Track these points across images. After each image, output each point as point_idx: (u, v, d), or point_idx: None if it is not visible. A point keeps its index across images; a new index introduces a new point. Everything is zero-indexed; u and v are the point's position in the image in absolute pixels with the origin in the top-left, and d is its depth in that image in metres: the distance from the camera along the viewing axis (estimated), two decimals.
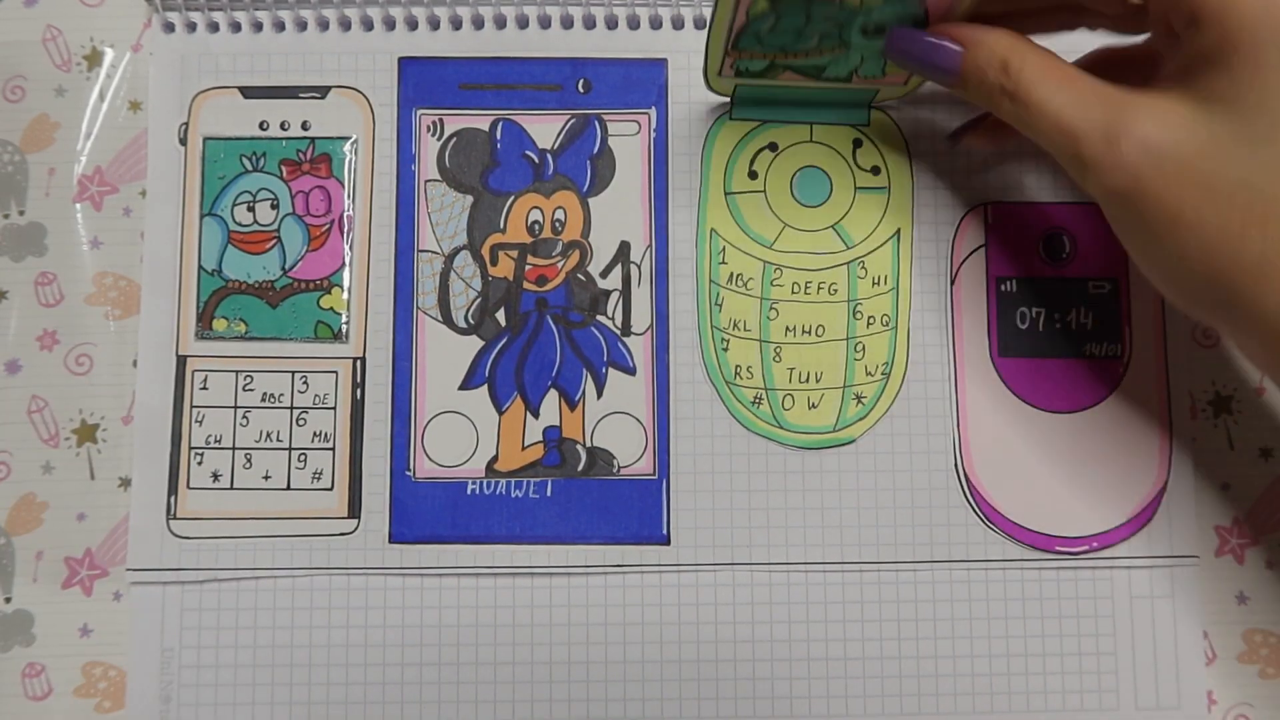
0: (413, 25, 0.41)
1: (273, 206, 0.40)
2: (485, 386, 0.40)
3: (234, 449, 0.39)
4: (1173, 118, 0.30)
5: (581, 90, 0.41)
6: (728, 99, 0.40)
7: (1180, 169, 0.30)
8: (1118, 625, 0.39)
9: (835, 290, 0.40)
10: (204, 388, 0.39)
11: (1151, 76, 0.33)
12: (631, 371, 0.40)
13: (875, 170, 0.40)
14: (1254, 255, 0.29)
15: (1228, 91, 0.30)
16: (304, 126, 0.40)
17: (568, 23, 0.41)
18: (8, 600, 0.39)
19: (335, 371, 0.39)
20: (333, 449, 0.39)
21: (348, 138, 0.40)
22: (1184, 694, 0.39)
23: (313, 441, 0.39)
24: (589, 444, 0.39)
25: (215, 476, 0.39)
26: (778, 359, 0.40)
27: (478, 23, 0.41)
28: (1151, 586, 0.39)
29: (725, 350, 0.40)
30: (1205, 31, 0.30)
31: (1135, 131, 0.30)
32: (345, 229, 0.40)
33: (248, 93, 0.41)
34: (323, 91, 0.41)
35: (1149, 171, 0.30)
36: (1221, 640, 0.39)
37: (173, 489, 0.39)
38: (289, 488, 0.39)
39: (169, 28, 0.41)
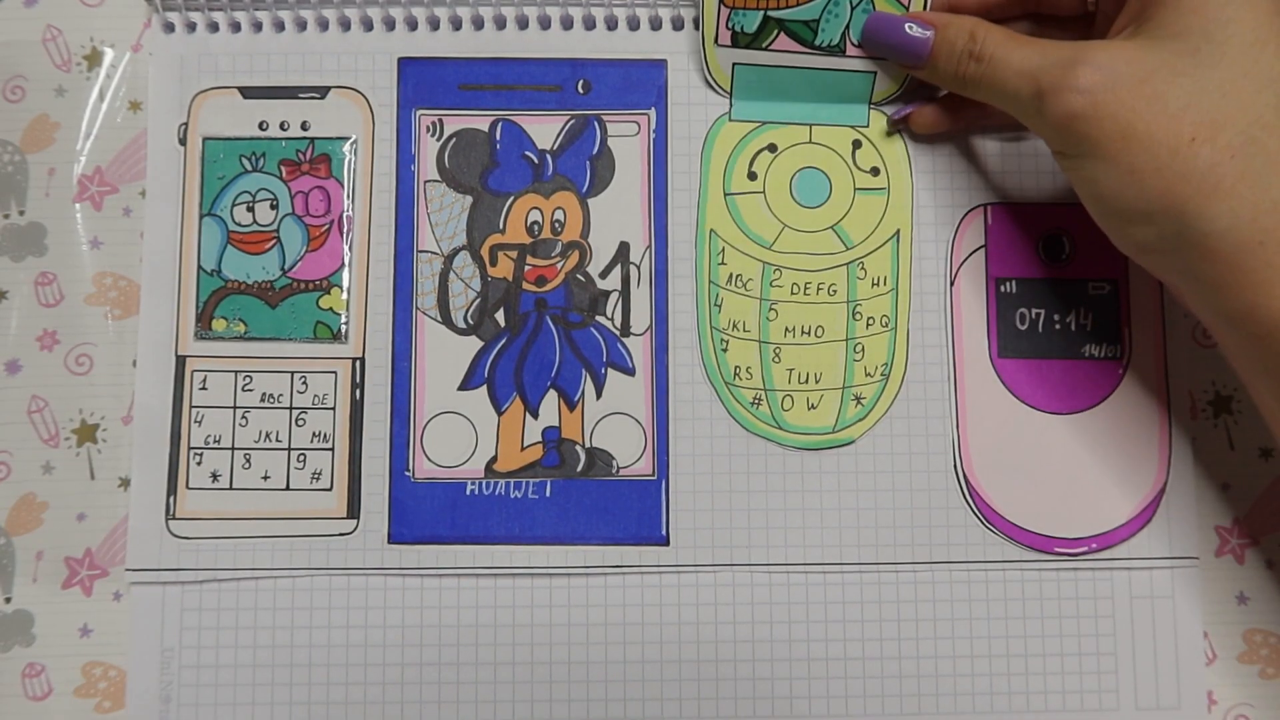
0: (412, 26, 0.41)
1: (272, 207, 0.40)
2: (484, 387, 0.40)
3: (233, 449, 0.39)
4: (1125, 50, 0.32)
5: (581, 91, 0.41)
6: (727, 95, 0.40)
7: (1133, 87, 0.32)
8: (1118, 625, 0.39)
9: (835, 291, 0.40)
10: (203, 388, 0.39)
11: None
12: (631, 372, 0.40)
13: (875, 171, 0.40)
14: (1203, 166, 0.31)
15: (1175, 25, 0.32)
16: (303, 127, 0.40)
17: (567, 23, 0.41)
18: (8, 600, 0.39)
19: (334, 372, 0.39)
20: (332, 449, 0.39)
21: (347, 138, 0.40)
22: (1184, 694, 0.39)
23: (312, 442, 0.39)
24: (588, 445, 0.39)
25: (214, 477, 0.39)
26: (777, 360, 0.40)
27: (477, 23, 0.41)
28: (1152, 587, 0.39)
29: (725, 351, 0.40)
30: None
31: (1091, 59, 0.32)
32: (345, 229, 0.40)
33: (247, 93, 0.41)
34: (322, 92, 0.41)
35: (1103, 92, 0.32)
36: (1221, 640, 0.39)
37: (172, 489, 0.39)
38: (288, 488, 0.39)
39: (169, 28, 0.41)
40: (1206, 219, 0.31)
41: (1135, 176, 0.32)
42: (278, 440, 0.39)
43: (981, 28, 0.36)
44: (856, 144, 0.40)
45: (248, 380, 0.39)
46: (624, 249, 0.40)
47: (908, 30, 0.37)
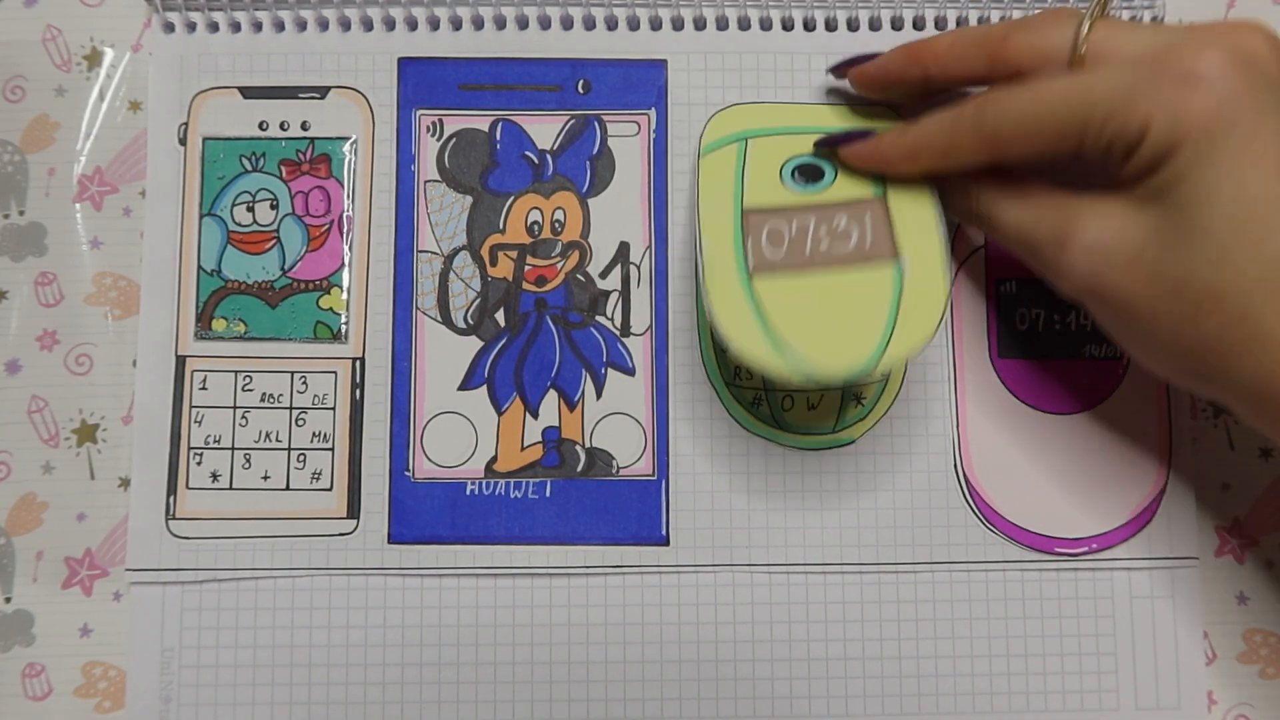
0: (412, 25, 0.41)
1: (272, 207, 0.40)
2: (484, 387, 0.40)
3: (233, 449, 0.39)
4: (1115, 219, 0.32)
5: (581, 91, 0.41)
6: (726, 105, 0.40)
7: (1127, 266, 0.31)
8: (1118, 625, 0.39)
9: None
10: (203, 388, 0.39)
11: None
12: (631, 372, 0.40)
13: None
14: (1213, 334, 0.30)
15: (1163, 187, 0.31)
16: (303, 127, 0.40)
17: (567, 23, 0.41)
18: (8, 600, 0.39)
19: (334, 372, 0.39)
20: (332, 449, 0.39)
21: (347, 138, 0.40)
22: (1184, 694, 0.39)
23: (312, 442, 0.39)
24: (588, 445, 0.39)
25: (214, 477, 0.39)
26: None
27: (477, 23, 0.41)
28: (1151, 587, 0.39)
29: (724, 351, 0.40)
30: (1148, 141, 0.31)
31: (1081, 238, 0.32)
32: (345, 229, 0.40)
33: (247, 93, 0.41)
34: (322, 92, 0.41)
35: (1099, 272, 0.32)
36: (1221, 640, 0.39)
37: (172, 489, 0.39)
38: (288, 488, 0.39)
39: (169, 28, 0.41)
40: (1228, 376, 0.31)
41: (1149, 346, 0.32)
42: (278, 440, 0.39)
43: (975, 182, 0.35)
44: None
45: (248, 380, 0.39)
46: (624, 249, 0.40)
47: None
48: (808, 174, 0.38)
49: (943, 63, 0.35)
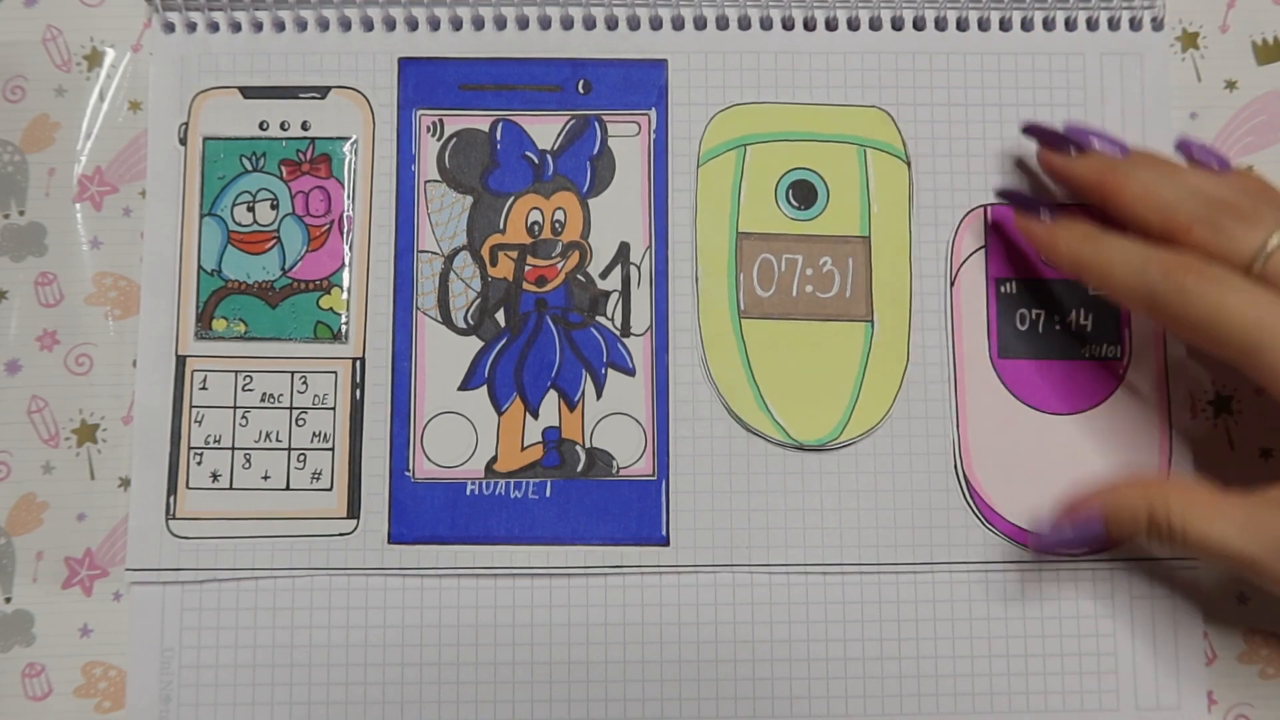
0: (413, 26, 0.41)
1: (272, 206, 0.40)
2: (485, 387, 0.40)
3: (233, 449, 0.39)
4: None
5: (581, 91, 0.41)
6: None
7: None
8: (1118, 625, 0.39)
9: None
10: (203, 388, 0.39)
11: None
12: (631, 372, 0.40)
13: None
14: None
15: None
16: (304, 127, 0.40)
17: (568, 23, 0.41)
18: (8, 600, 0.39)
19: (335, 372, 0.39)
20: (332, 449, 0.39)
21: (347, 138, 0.40)
22: (1184, 694, 0.39)
23: (312, 442, 0.39)
24: (588, 445, 0.39)
25: (214, 476, 0.39)
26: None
27: (478, 23, 0.41)
28: (1151, 587, 0.39)
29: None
30: None
31: None
32: (345, 229, 0.40)
33: (247, 93, 0.41)
34: (323, 92, 0.41)
35: None
36: (1221, 640, 0.39)
37: (172, 489, 0.39)
38: (288, 488, 0.39)
39: (169, 28, 0.41)
40: None
41: None
42: (278, 440, 0.39)
43: (1158, 502, 0.34)
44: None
45: (248, 380, 0.39)
46: (624, 249, 0.40)
47: (1075, 527, 0.36)
48: (802, 194, 0.40)
49: (1125, 211, 0.35)
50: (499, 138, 0.40)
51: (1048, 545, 0.37)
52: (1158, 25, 0.41)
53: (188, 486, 0.39)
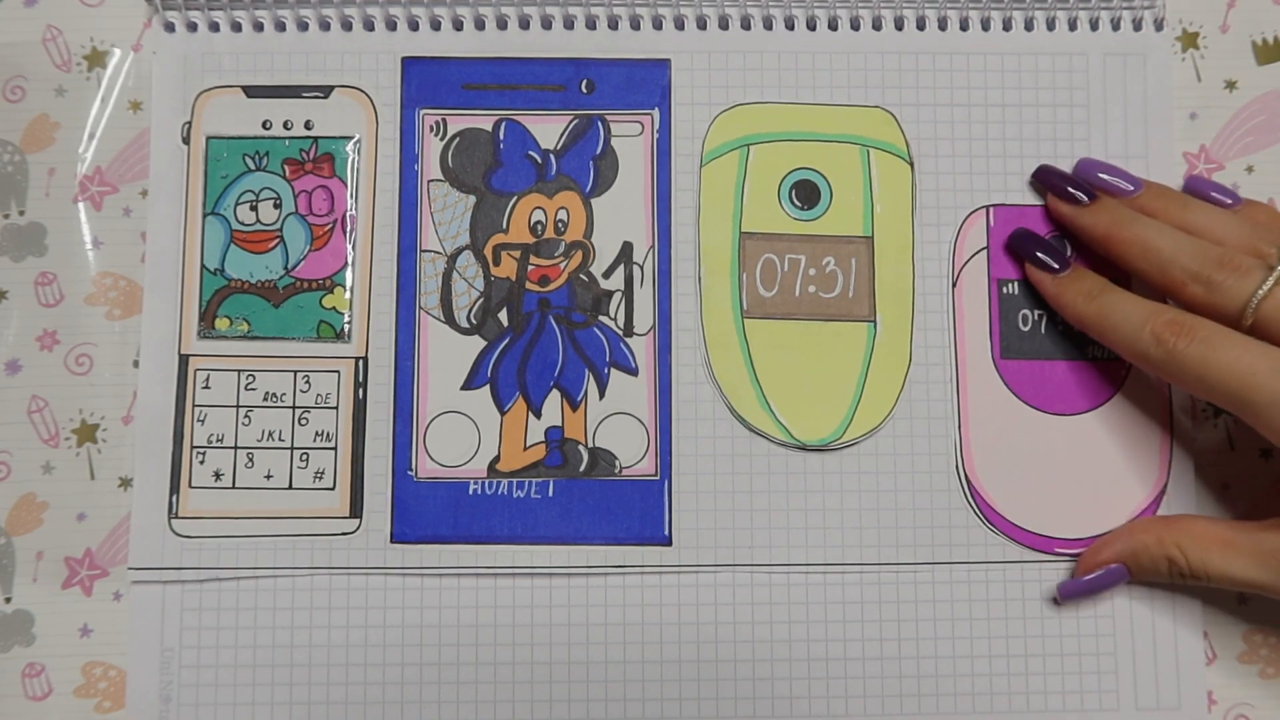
0: (415, 25, 0.41)
1: (275, 206, 0.40)
2: (487, 387, 0.40)
3: (236, 448, 0.39)
4: None
5: (584, 91, 0.41)
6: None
7: None
8: (1117, 625, 0.39)
9: None
10: (206, 387, 0.39)
11: None
12: (634, 372, 0.40)
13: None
14: None
15: None
16: (307, 126, 0.40)
17: (570, 23, 0.41)
18: (8, 600, 0.39)
19: (337, 371, 0.39)
20: (335, 449, 0.39)
21: (351, 137, 0.40)
22: (1184, 694, 0.39)
23: (315, 441, 0.39)
24: (591, 444, 0.39)
25: (217, 476, 0.39)
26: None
27: (480, 23, 0.41)
28: (1151, 587, 0.39)
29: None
30: None
31: None
32: (348, 228, 0.40)
33: (251, 92, 0.40)
34: (326, 91, 0.41)
35: None
36: (1221, 640, 0.39)
37: (174, 488, 0.39)
38: (291, 487, 0.39)
39: (169, 27, 0.41)
40: None
41: None
42: (280, 439, 0.39)
43: (1173, 544, 0.37)
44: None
45: (250, 379, 0.39)
46: (627, 249, 0.40)
47: (1097, 580, 0.38)
48: (805, 194, 0.40)
49: (1129, 267, 0.37)
50: (502, 137, 0.40)
51: (1074, 595, 0.38)
52: (1159, 25, 0.41)
53: (190, 486, 0.39)
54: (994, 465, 0.39)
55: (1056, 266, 0.38)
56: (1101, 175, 0.39)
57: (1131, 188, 0.38)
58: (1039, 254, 0.39)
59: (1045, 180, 0.40)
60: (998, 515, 0.39)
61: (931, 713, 0.39)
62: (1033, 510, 0.39)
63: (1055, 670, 0.39)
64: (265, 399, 0.39)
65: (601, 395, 0.40)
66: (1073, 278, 0.38)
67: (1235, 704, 0.39)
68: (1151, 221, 0.37)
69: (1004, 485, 0.39)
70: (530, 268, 0.40)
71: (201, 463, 0.39)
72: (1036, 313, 0.40)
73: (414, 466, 0.39)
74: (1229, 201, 0.38)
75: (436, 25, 0.41)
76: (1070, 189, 0.39)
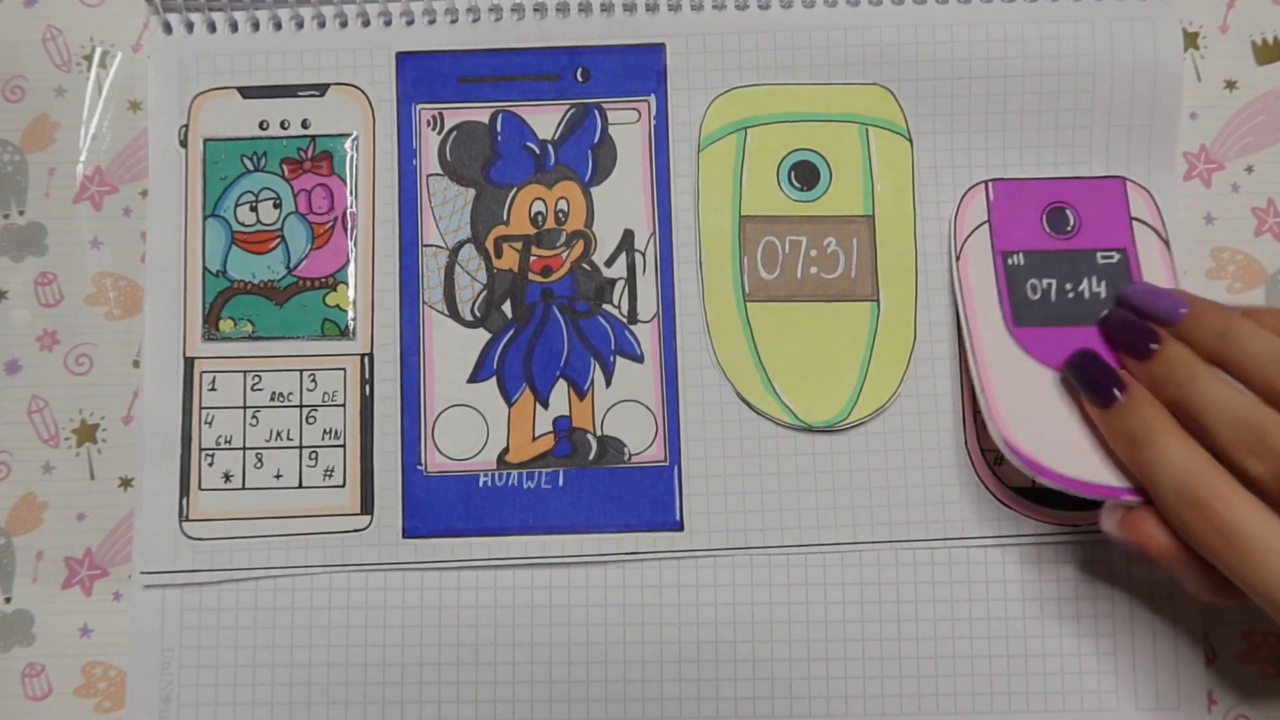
0: (409, 20, 0.41)
1: (275, 205, 0.40)
2: (494, 378, 0.39)
3: (244, 449, 0.39)
4: None
5: (580, 79, 0.41)
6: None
7: None
8: (1117, 625, 0.39)
9: None
10: (212, 389, 0.39)
11: None
12: (639, 359, 0.40)
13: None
14: None
15: None
16: (304, 125, 0.40)
17: (564, 10, 0.41)
18: (8, 600, 0.39)
19: (343, 368, 0.39)
20: (343, 446, 0.39)
21: (348, 134, 0.40)
22: (1184, 694, 0.39)
23: (323, 439, 0.39)
24: (599, 433, 0.39)
25: (226, 477, 0.39)
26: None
27: (474, 15, 0.41)
28: (1152, 587, 0.39)
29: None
30: None
31: None
32: (348, 226, 0.40)
33: (247, 93, 0.40)
34: (321, 89, 0.41)
35: None
36: (1221, 640, 0.39)
37: (184, 491, 0.39)
38: (301, 486, 0.39)
39: (167, 29, 0.40)
40: None
41: None
42: (289, 439, 0.39)
43: (1230, 322, 0.34)
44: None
45: (257, 380, 0.39)
46: (629, 236, 0.40)
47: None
48: (805, 175, 0.40)
49: (1198, 418, 0.33)
50: (499, 129, 0.40)
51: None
52: None
53: (200, 488, 0.39)
54: (1026, 424, 0.37)
55: (1101, 403, 0.35)
56: (1132, 329, 0.36)
57: (1172, 319, 0.35)
58: (1084, 387, 0.36)
59: (1075, 376, 0.36)
60: (1007, 491, 0.39)
61: (931, 713, 0.39)
62: (1074, 459, 0.36)
63: (1055, 670, 0.39)
64: (272, 399, 0.39)
65: (608, 383, 0.39)
66: (1125, 412, 0.34)
67: (1235, 704, 0.39)
68: (1173, 426, 0.33)
69: (1041, 440, 0.37)
70: (532, 258, 0.40)
71: (210, 465, 0.39)
72: (1045, 282, 0.39)
73: (423, 461, 0.39)
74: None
75: (430, 19, 0.41)
76: (1097, 390, 0.35)
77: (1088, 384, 0.36)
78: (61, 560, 0.39)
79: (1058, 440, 0.37)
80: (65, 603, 0.39)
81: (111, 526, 0.39)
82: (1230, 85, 0.42)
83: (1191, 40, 0.42)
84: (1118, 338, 0.37)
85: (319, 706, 0.38)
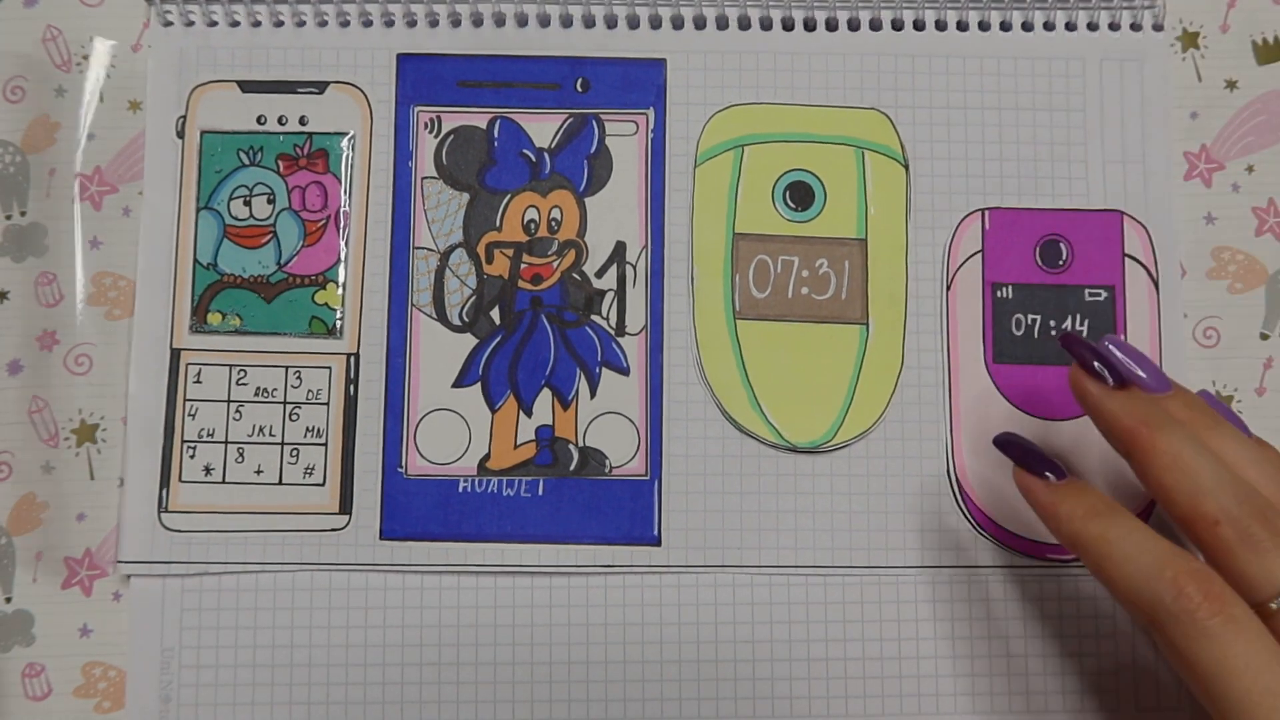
0: (411, 22, 0.41)
1: (269, 201, 0.40)
2: (478, 384, 0.40)
3: (226, 443, 0.39)
4: None
5: (580, 89, 0.41)
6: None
7: None
8: (1117, 626, 0.39)
9: None
10: (197, 381, 0.39)
11: None
12: (625, 372, 0.40)
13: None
14: None
15: None
16: (301, 121, 0.40)
17: (567, 21, 0.41)
18: (8, 600, 0.39)
19: (329, 367, 0.39)
20: (325, 444, 0.39)
21: (345, 133, 0.40)
22: (1184, 694, 0.39)
23: (305, 437, 0.39)
24: (581, 444, 0.39)
25: (207, 470, 0.39)
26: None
27: (477, 20, 0.41)
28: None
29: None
30: None
31: None
32: (341, 225, 0.40)
33: (246, 87, 0.41)
34: (321, 87, 0.41)
35: None
36: None
37: (164, 482, 0.39)
38: (281, 482, 0.39)
39: (166, 23, 0.41)
40: None
41: None
42: (271, 435, 0.39)
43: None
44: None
45: (242, 374, 0.39)
46: (620, 249, 0.40)
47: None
48: (799, 195, 0.40)
49: (1149, 476, 0.32)
50: (496, 135, 0.40)
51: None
52: (1158, 27, 0.41)
53: (180, 480, 0.39)
54: (985, 470, 0.39)
55: (1050, 475, 0.34)
56: (1134, 366, 0.33)
57: (1162, 389, 0.33)
58: (1027, 456, 0.34)
59: (1070, 347, 0.34)
60: (988, 520, 0.39)
61: (931, 713, 0.39)
62: (1023, 517, 0.39)
63: (1055, 671, 0.39)
64: (256, 394, 0.39)
65: (593, 394, 0.39)
66: (1071, 489, 0.33)
67: None
68: (1192, 437, 0.31)
69: (995, 490, 0.39)
70: (523, 266, 0.40)
71: (192, 457, 0.39)
72: (1030, 317, 0.40)
73: (404, 463, 0.39)
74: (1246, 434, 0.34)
75: (433, 22, 0.41)
76: (1098, 364, 0.33)
77: (1032, 454, 0.35)
78: (61, 560, 0.39)
79: (1011, 490, 0.37)
80: (65, 603, 0.39)
81: (111, 526, 0.39)
82: (1230, 85, 0.41)
83: (1191, 40, 0.42)
84: (1087, 355, 0.34)
85: (319, 706, 0.38)
